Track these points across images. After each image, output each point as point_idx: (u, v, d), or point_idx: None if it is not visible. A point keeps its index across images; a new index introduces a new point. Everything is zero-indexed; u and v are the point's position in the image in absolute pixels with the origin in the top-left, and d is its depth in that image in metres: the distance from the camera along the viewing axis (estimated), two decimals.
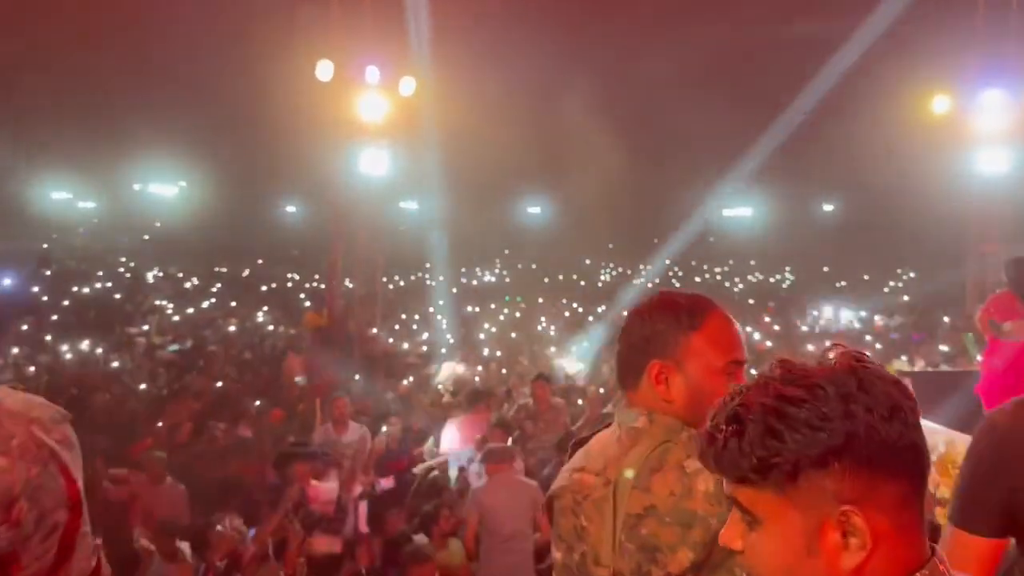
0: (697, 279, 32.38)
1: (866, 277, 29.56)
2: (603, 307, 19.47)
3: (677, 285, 29.83)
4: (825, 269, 32.77)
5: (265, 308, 16.17)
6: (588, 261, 34.16)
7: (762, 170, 36.66)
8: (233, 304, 17.71)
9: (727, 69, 29.77)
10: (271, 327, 15.45)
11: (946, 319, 14.09)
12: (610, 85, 24.42)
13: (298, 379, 10.13)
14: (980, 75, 12.00)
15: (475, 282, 25.79)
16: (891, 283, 28.01)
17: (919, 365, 9.11)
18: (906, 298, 17.94)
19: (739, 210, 42.85)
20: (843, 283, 28.85)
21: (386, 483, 6.52)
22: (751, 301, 20.69)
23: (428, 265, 28.23)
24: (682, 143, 34.70)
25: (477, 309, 17.34)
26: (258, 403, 8.98)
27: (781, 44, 26.27)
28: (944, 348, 11.24)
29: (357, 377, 10.04)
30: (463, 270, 27.11)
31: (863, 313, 17.66)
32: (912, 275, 28.28)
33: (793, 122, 30.48)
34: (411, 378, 11.43)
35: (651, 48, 29.25)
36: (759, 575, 1.05)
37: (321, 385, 9.16)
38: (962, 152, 12.55)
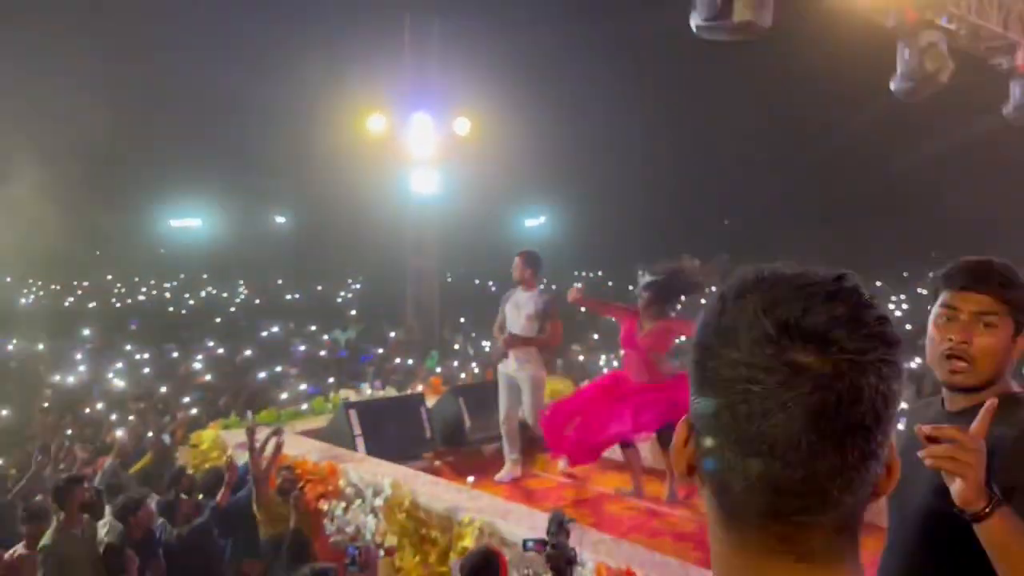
0: (142, 296, 29.41)
1: (319, 288, 30.20)
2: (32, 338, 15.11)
3: (118, 305, 26.54)
4: (280, 282, 32.73)
5: None
6: (8, 279, 28.83)
7: (211, 178, 35.48)
8: None
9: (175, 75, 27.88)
10: None
11: (392, 334, 14.53)
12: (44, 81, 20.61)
13: None
14: (410, 98, 12.50)
15: None
16: (342, 294, 28.98)
17: (368, 392, 8.78)
18: (353, 312, 18.28)
19: (187, 220, 40.45)
20: (297, 295, 29.02)
21: None
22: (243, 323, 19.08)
23: None
24: (123, 147, 31.43)
25: None
26: None
27: (218, 54, 25.11)
28: (402, 360, 11.44)
29: None
30: None
31: (313, 328, 17.43)
32: (358, 286, 29.65)
33: (241, 130, 30.02)
34: None
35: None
36: None
37: None
38: (398, 171, 12.99)
